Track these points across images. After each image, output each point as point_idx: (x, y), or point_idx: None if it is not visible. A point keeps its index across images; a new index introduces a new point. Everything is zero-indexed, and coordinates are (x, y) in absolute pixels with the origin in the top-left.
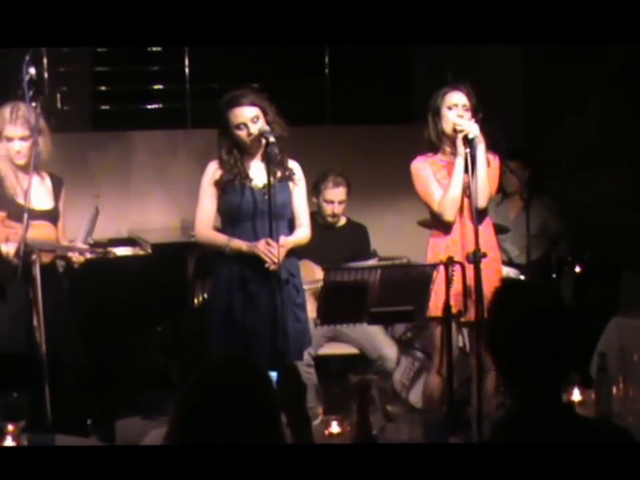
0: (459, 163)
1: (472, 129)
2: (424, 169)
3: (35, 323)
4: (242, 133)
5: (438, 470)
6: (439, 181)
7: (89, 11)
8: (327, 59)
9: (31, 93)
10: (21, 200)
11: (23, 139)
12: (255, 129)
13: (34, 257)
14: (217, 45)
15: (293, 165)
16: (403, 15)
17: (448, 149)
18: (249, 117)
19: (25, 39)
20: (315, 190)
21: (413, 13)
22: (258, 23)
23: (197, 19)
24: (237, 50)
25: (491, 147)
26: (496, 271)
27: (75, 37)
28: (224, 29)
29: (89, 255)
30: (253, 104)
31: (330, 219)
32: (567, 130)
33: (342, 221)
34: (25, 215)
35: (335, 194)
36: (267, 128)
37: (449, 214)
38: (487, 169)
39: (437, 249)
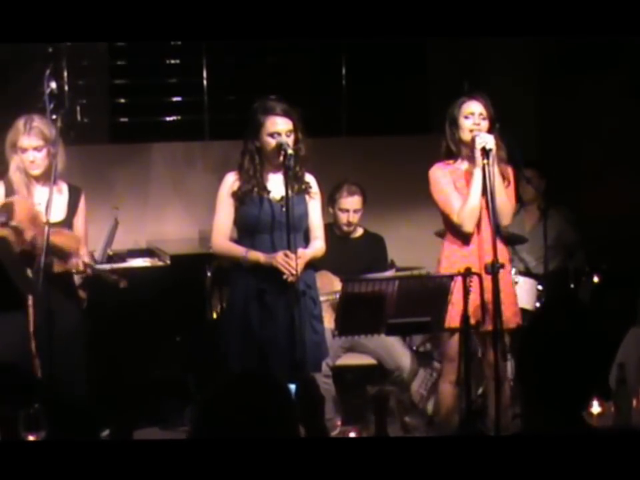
0: (477, 174)
1: (488, 140)
2: (444, 177)
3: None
4: (272, 142)
5: (448, 464)
6: (459, 189)
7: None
8: (343, 71)
9: (51, 106)
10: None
11: (36, 149)
12: (286, 142)
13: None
14: (233, 39)
15: (309, 178)
16: (418, 8)
17: (466, 157)
18: (285, 129)
19: (42, 33)
20: (330, 200)
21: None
22: (273, 16)
23: (215, 13)
24: (254, 58)
25: (508, 159)
26: (510, 283)
27: (92, 30)
28: (240, 23)
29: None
30: (289, 117)
31: (345, 228)
32: (584, 140)
33: (359, 232)
34: (46, 228)
35: (350, 202)
36: (286, 140)
37: (469, 225)
38: (507, 184)
39: (452, 258)
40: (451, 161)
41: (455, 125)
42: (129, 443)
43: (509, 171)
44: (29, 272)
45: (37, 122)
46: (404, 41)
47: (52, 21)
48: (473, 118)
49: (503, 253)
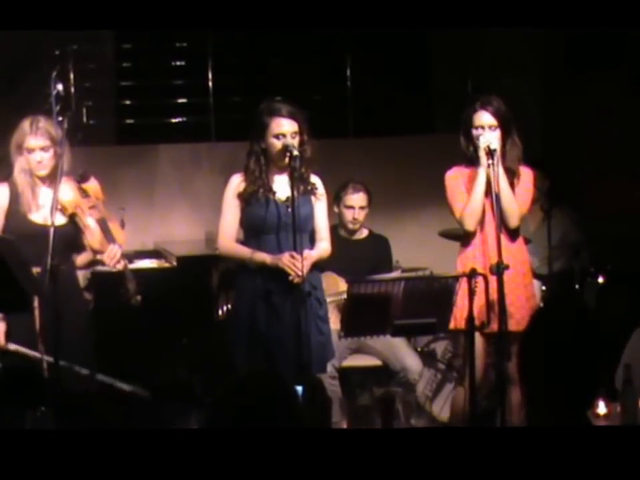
0: (481, 174)
1: (492, 140)
2: (454, 179)
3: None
4: (278, 143)
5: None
6: (469, 192)
7: None
8: (348, 72)
9: (58, 108)
10: (34, 217)
11: (43, 149)
12: (291, 143)
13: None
14: (238, 29)
15: (315, 179)
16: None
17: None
18: (290, 131)
19: (50, 20)
20: (335, 198)
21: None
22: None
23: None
24: (259, 60)
25: (522, 159)
26: (523, 286)
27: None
28: (246, 14)
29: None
30: (294, 118)
31: (350, 226)
32: (587, 139)
33: (364, 233)
34: (51, 230)
35: (355, 199)
36: (291, 141)
37: (468, 224)
38: (517, 183)
39: (464, 259)
40: (466, 165)
41: (467, 133)
42: (133, 432)
43: (524, 171)
44: (35, 273)
45: (43, 122)
46: (408, 31)
47: (60, 11)
48: (484, 132)
49: (518, 254)
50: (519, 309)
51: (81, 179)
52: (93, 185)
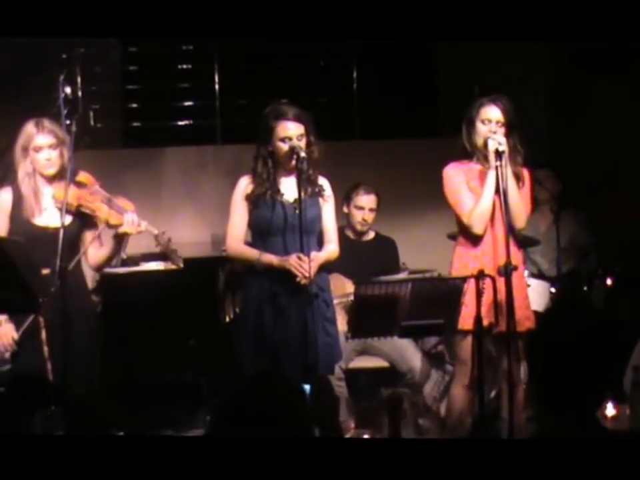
0: (490, 176)
1: (502, 142)
2: (457, 176)
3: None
4: (284, 147)
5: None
6: (472, 189)
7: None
8: (354, 74)
9: (65, 111)
10: (36, 220)
11: (51, 147)
12: (298, 145)
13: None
14: (246, 38)
15: (323, 181)
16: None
17: (481, 158)
18: (296, 134)
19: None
20: (345, 198)
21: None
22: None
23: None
24: (265, 63)
25: (523, 161)
26: (522, 287)
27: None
28: (252, 24)
29: None
30: (300, 121)
31: (359, 227)
32: (596, 143)
33: (371, 235)
34: (61, 231)
35: (366, 201)
36: (298, 143)
37: (478, 227)
38: (521, 186)
39: (464, 258)
40: (465, 161)
41: (471, 126)
42: (142, 439)
43: (525, 174)
44: (43, 275)
45: (48, 123)
46: (414, 43)
47: (67, 18)
48: (490, 125)
49: (516, 255)
50: (521, 310)
51: (71, 175)
52: (84, 175)
